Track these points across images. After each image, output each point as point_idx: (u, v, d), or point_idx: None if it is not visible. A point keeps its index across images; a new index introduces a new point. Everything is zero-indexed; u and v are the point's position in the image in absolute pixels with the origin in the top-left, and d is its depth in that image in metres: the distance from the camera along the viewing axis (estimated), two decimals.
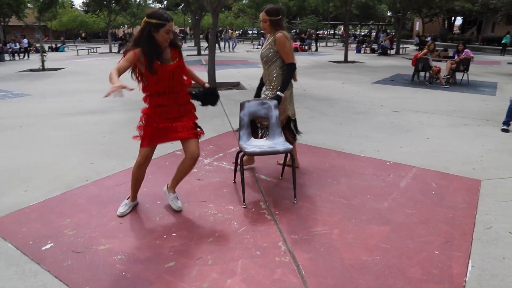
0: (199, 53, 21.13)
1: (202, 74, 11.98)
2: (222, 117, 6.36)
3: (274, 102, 3.58)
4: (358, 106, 7.39)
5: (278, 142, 3.44)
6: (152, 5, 45.55)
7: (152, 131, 2.92)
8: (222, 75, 11.34)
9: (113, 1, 24.17)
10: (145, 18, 2.74)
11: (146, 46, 2.70)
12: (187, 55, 20.68)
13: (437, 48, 11.47)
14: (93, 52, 26.61)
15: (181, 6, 47.21)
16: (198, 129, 3.11)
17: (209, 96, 3.17)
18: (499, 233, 2.88)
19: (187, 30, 47.85)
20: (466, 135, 5.48)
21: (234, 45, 27.30)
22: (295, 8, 32.19)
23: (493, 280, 2.35)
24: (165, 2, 30.01)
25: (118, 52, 24.21)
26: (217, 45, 23.46)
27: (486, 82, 10.87)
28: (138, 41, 2.72)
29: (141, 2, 38.29)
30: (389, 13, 45.45)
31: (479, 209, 3.24)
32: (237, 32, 37.60)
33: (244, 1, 33.11)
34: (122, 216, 3.05)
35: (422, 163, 4.32)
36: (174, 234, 2.79)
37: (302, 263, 2.45)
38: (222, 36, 25.93)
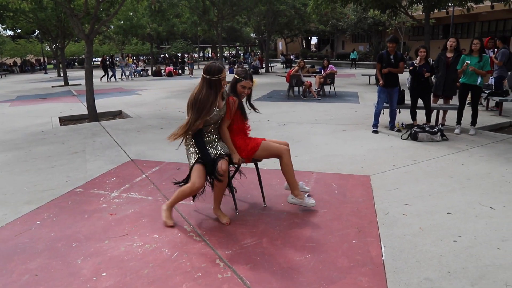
0: (66, 84, 19.51)
1: (77, 106, 11.20)
2: (114, 148, 6.04)
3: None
4: None
5: None
6: (2, 33, 40.59)
7: None
8: (100, 104, 10.71)
9: None
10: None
11: None
12: (52, 86, 18.94)
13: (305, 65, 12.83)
14: None
15: (35, 33, 42.96)
16: None
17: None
18: (396, 216, 3.41)
19: (45, 59, 43.56)
20: (346, 139, 6.27)
21: (130, 73, 24.25)
22: (165, 33, 32.21)
23: (402, 254, 2.79)
24: (18, 30, 26.98)
25: None
26: (110, 73, 21.89)
27: (349, 92, 12.53)
28: None
29: None
30: (253, 35, 48.78)
31: (375, 199, 3.77)
32: (133, 58, 33.85)
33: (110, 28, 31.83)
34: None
35: (319, 167, 4.81)
36: (104, 274, 2.60)
37: (244, 275, 2.54)
38: (118, 63, 23.31)
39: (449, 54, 6.92)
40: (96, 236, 3.15)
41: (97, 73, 24.33)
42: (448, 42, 6.90)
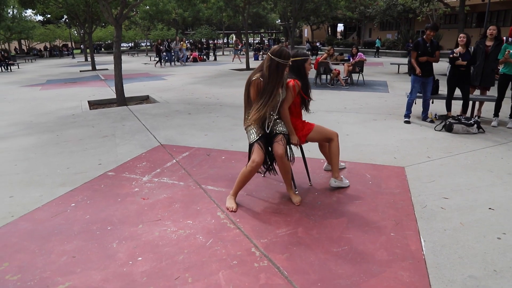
0: (94, 68, 19.81)
1: (105, 90, 11.35)
2: (144, 133, 6.08)
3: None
4: None
5: None
6: (29, 18, 41.42)
7: None
8: (127, 89, 10.78)
9: None
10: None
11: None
12: (80, 71, 19.28)
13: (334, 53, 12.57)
14: None
15: (63, 19, 43.73)
16: None
17: None
18: (434, 210, 3.28)
19: (72, 44, 44.36)
20: (378, 128, 6.10)
21: (184, 57, 23.35)
22: (190, 18, 32.19)
23: (444, 249, 2.68)
24: (48, 15, 27.50)
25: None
26: (163, 58, 21.29)
27: (378, 81, 12.22)
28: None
29: (17, 15, 34.57)
30: (278, 21, 48.18)
31: (411, 192, 3.65)
32: (187, 42, 32.60)
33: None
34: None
35: (351, 157, 4.70)
36: (140, 259, 2.60)
37: (281, 264, 2.49)
38: (172, 47, 22.29)
39: (489, 43, 6.59)
40: (129, 220, 3.16)
41: (131, 58, 24.17)
42: (488, 30, 6.57)
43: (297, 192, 3.63)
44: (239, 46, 24.57)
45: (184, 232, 2.95)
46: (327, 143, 3.73)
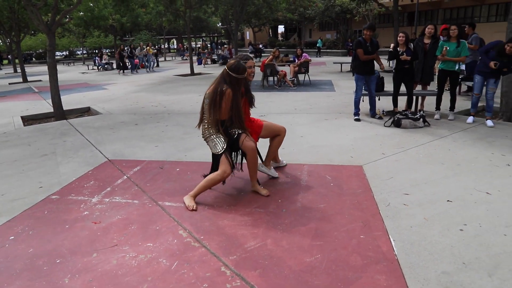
0: (25, 80, 18.37)
1: (40, 103, 10.51)
2: (88, 148, 5.64)
3: None
4: None
5: None
6: None
7: None
8: (65, 101, 10.01)
9: None
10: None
11: None
12: (9, 83, 17.80)
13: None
14: None
15: None
16: None
17: None
18: (397, 207, 3.31)
19: None
20: (330, 128, 6.16)
21: (152, 64, 22.04)
22: (128, 24, 31.05)
23: (413, 247, 2.68)
24: None
25: None
26: (128, 65, 20.12)
27: (323, 81, 12.48)
28: None
29: None
30: (219, 25, 48.00)
31: (373, 190, 3.67)
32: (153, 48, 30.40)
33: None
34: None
35: (308, 159, 4.67)
36: None
37: (255, 282, 2.34)
38: (137, 54, 21.08)
39: (427, 41, 6.92)
40: (82, 249, 2.85)
41: (67, 68, 22.73)
42: (426, 29, 6.89)
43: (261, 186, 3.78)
44: (206, 50, 23.97)
45: (145, 257, 2.70)
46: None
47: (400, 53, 6.44)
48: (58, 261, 2.70)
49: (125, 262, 2.65)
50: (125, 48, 20.66)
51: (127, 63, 20.60)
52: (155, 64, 22.83)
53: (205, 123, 3.57)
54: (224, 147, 3.46)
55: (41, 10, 12.70)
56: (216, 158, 3.57)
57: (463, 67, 8.91)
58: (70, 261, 2.69)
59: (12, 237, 3.07)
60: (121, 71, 20.45)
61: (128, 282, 2.42)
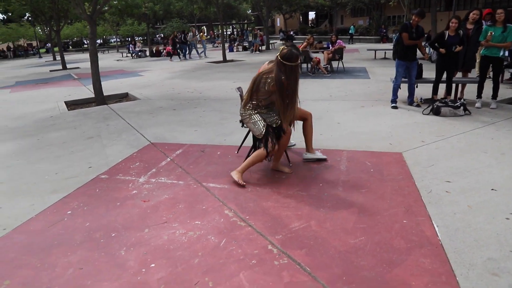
0: (64, 67, 19.07)
1: (80, 89, 10.93)
2: (131, 132, 5.87)
3: None
4: None
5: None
6: None
7: None
8: (103, 87, 10.35)
9: None
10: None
11: None
12: (50, 70, 18.54)
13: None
14: None
15: (25, 17, 41.83)
16: None
17: None
18: (440, 194, 3.30)
19: (37, 43, 42.53)
20: (367, 115, 6.12)
21: (204, 50, 22.00)
22: (161, 12, 31.44)
23: (458, 233, 2.69)
24: (10, 13, 26.20)
25: None
26: (180, 52, 20.42)
27: (357, 68, 12.30)
28: None
29: None
30: (249, 12, 47.72)
31: (414, 177, 3.66)
32: (205, 35, 31.11)
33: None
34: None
35: (347, 145, 4.68)
36: (153, 265, 2.48)
37: (301, 260, 2.43)
38: (189, 40, 21.10)
39: (469, 26, 6.70)
40: (134, 225, 3.03)
41: (102, 55, 23.37)
42: (470, 14, 6.66)
43: (291, 165, 4.09)
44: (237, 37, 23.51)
45: (194, 233, 2.84)
46: (303, 121, 4.21)
47: (446, 37, 6.28)
48: (113, 234, 2.89)
49: (176, 238, 2.80)
50: (177, 34, 20.81)
51: (180, 50, 20.50)
52: (205, 51, 22.44)
53: (250, 103, 3.69)
54: (264, 130, 3.63)
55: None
56: (257, 139, 3.78)
57: (506, 53, 8.56)
58: (124, 236, 2.87)
59: (70, 212, 3.30)
60: (180, 56, 20.40)
61: (180, 256, 2.56)
